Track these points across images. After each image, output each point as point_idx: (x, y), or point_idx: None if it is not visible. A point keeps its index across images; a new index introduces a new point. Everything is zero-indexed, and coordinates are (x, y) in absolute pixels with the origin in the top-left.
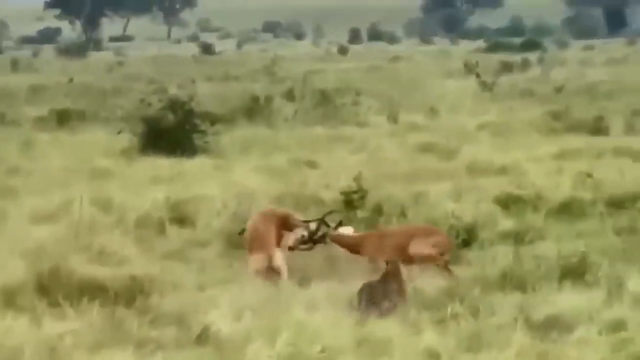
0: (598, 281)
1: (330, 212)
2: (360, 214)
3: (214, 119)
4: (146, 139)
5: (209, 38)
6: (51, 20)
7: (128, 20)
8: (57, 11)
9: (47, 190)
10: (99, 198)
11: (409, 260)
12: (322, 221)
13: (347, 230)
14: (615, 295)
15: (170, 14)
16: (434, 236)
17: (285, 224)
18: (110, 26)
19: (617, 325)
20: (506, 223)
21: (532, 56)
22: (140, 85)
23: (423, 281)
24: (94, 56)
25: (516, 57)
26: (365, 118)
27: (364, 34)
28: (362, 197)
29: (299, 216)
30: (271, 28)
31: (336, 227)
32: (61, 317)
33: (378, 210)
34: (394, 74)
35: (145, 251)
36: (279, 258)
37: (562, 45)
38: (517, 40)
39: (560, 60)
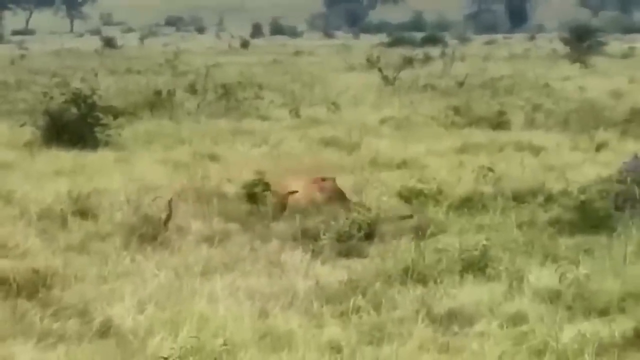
0: (499, 275)
1: None
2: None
3: (116, 113)
4: (49, 132)
5: (111, 32)
6: None
7: (31, 14)
8: None
9: None
10: (1, 190)
11: None
12: None
13: None
14: (516, 288)
15: (72, 8)
16: None
17: None
18: (12, 19)
19: (518, 319)
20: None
21: (434, 51)
22: (43, 78)
23: (325, 274)
24: None
25: (418, 52)
26: (267, 112)
27: (266, 29)
28: (265, 191)
29: None
30: (173, 22)
31: None
32: None
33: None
34: (296, 68)
35: (48, 244)
36: None
37: (464, 40)
38: (419, 35)
39: (462, 55)
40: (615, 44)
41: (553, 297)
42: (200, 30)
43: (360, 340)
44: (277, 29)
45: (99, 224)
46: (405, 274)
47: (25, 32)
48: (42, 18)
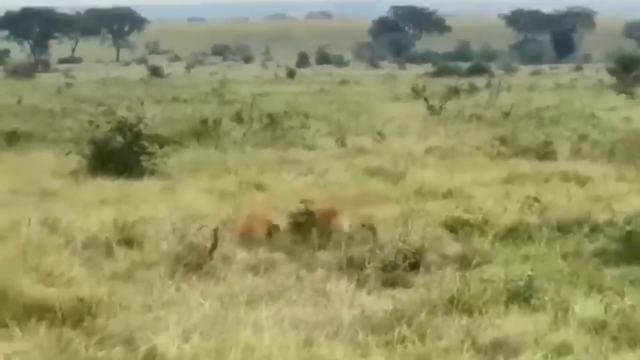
0: (544, 305)
1: None
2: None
3: (162, 141)
4: (94, 160)
5: (157, 61)
6: None
7: (77, 42)
8: (6, 32)
9: None
10: (47, 219)
11: None
12: None
13: None
14: (561, 319)
15: (118, 37)
16: None
17: None
18: (59, 48)
19: (563, 349)
20: (453, 247)
21: (480, 81)
22: (89, 107)
23: (370, 304)
24: (42, 77)
25: (463, 82)
26: (313, 141)
27: (312, 58)
28: (310, 220)
29: None
30: (220, 51)
31: None
32: (9, 338)
33: (327, 233)
34: (342, 98)
35: (93, 272)
36: None
37: (510, 70)
38: (465, 65)
39: (508, 85)
40: None
41: (598, 328)
42: (247, 59)
43: None
44: (323, 58)
45: (144, 252)
46: (450, 304)
47: (72, 60)
48: (88, 47)
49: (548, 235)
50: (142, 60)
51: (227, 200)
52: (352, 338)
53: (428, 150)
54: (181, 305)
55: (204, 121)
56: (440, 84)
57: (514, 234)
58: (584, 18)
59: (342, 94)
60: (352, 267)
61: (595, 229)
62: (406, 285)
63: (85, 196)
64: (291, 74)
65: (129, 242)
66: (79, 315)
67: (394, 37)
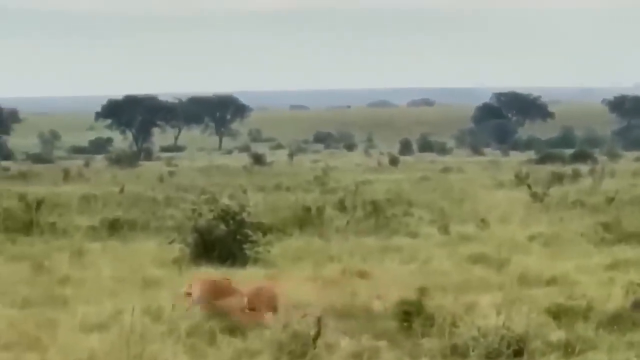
0: None
1: None
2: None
3: (265, 229)
4: (197, 248)
5: (260, 148)
6: (102, 130)
7: (179, 131)
8: (108, 121)
9: (98, 300)
10: (151, 307)
11: None
12: None
13: None
14: None
15: (221, 125)
16: None
17: None
18: (161, 136)
19: None
20: (557, 334)
21: (583, 167)
22: (192, 195)
23: None
24: (145, 166)
25: (567, 168)
26: (416, 228)
27: (414, 145)
28: (418, 309)
29: None
30: (322, 139)
31: None
32: None
33: (430, 320)
34: (444, 185)
35: None
36: None
37: (613, 156)
38: (568, 152)
39: (611, 171)
40: None
41: None
42: (349, 146)
43: None
44: (426, 146)
45: (248, 340)
46: None
47: (174, 148)
48: (191, 135)
49: None
50: (244, 148)
51: (330, 288)
52: None
53: (531, 237)
54: None
55: (307, 209)
56: (544, 171)
57: (618, 320)
58: None
59: (444, 181)
60: (456, 354)
61: None
62: None
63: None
64: (394, 162)
65: (232, 330)
66: None
67: (497, 124)
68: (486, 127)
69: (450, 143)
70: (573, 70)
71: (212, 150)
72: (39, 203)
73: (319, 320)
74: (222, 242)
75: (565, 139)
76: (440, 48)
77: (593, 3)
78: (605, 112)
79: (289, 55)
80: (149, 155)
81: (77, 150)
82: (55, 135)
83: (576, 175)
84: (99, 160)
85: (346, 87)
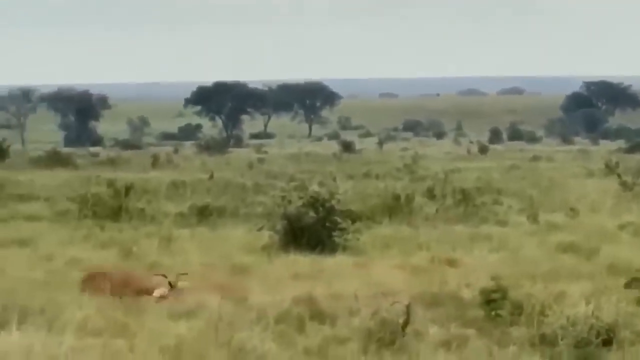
0: None
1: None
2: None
3: (354, 217)
4: (287, 235)
5: (349, 136)
6: (191, 116)
7: (269, 118)
8: (198, 108)
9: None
10: (238, 294)
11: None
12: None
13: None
14: None
15: (311, 112)
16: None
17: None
18: (251, 123)
19: None
20: None
21: None
22: (281, 182)
23: None
24: (234, 153)
25: None
26: (505, 217)
27: (504, 133)
28: (503, 297)
29: None
30: (411, 127)
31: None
32: None
33: (518, 309)
34: (534, 174)
35: (285, 348)
36: None
37: None
38: None
39: None
40: None
41: None
42: (439, 135)
43: None
44: (515, 134)
45: (336, 328)
46: None
47: (264, 135)
48: (280, 122)
49: None
50: (334, 136)
51: (419, 276)
52: None
53: (621, 227)
54: None
55: (396, 197)
56: (634, 160)
57: None
58: None
59: (534, 170)
60: (545, 343)
61: None
62: None
63: (277, 271)
64: (483, 150)
65: (321, 317)
66: None
67: (587, 113)
68: (576, 116)
69: (540, 132)
70: None
71: (302, 137)
72: (128, 189)
73: (407, 308)
74: (311, 229)
75: None
76: (530, 36)
77: None
78: None
79: (379, 43)
80: (238, 142)
81: (166, 137)
82: (144, 122)
83: None
84: (188, 146)
85: (435, 75)
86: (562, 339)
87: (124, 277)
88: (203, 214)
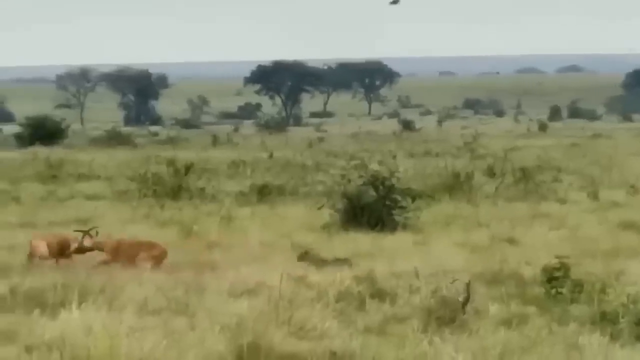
0: None
1: (92, 228)
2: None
3: (414, 195)
4: (347, 214)
5: (409, 114)
6: (251, 95)
7: (328, 96)
8: (257, 87)
9: (247, 265)
10: (299, 273)
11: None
12: (86, 233)
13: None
14: None
15: (370, 91)
16: (155, 248)
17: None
18: (310, 102)
19: None
20: None
21: None
22: (341, 161)
23: (624, 358)
24: (294, 131)
25: None
26: (565, 195)
27: (564, 111)
28: (565, 276)
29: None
30: (471, 105)
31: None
32: None
33: (579, 287)
34: (594, 152)
35: (345, 326)
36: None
37: None
38: None
39: None
40: None
41: None
42: (499, 113)
43: None
44: (576, 112)
45: (396, 306)
46: None
47: (323, 114)
48: (340, 100)
49: None
50: (393, 114)
51: (479, 254)
52: None
53: None
54: (434, 359)
55: (456, 175)
56: None
57: None
58: None
59: (594, 147)
60: (605, 321)
61: None
62: None
63: (338, 250)
64: (543, 128)
65: (381, 295)
66: None
67: None
68: (636, 94)
69: (600, 110)
70: None
71: (361, 116)
72: (188, 168)
73: (467, 286)
74: (371, 207)
75: None
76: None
77: None
78: None
79: (438, 22)
80: (297, 121)
81: (226, 116)
82: (203, 101)
83: None
84: (248, 125)
85: (495, 54)
86: (622, 317)
87: (60, 240)
88: (263, 192)
